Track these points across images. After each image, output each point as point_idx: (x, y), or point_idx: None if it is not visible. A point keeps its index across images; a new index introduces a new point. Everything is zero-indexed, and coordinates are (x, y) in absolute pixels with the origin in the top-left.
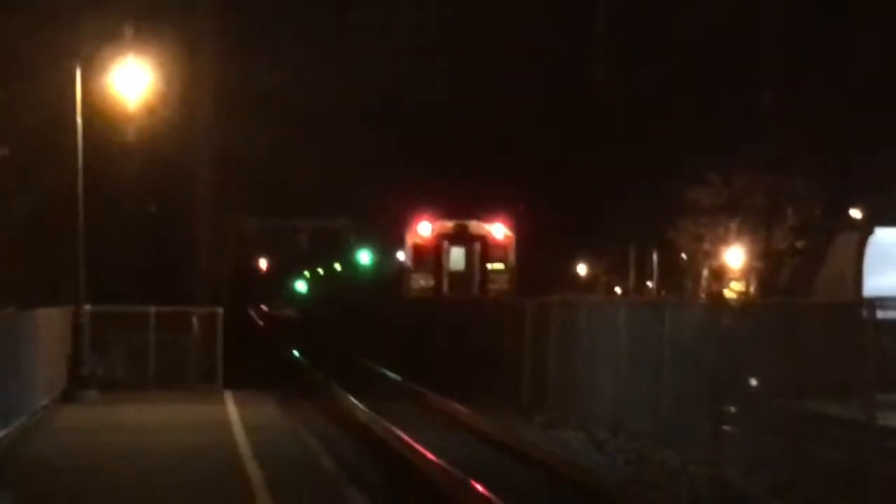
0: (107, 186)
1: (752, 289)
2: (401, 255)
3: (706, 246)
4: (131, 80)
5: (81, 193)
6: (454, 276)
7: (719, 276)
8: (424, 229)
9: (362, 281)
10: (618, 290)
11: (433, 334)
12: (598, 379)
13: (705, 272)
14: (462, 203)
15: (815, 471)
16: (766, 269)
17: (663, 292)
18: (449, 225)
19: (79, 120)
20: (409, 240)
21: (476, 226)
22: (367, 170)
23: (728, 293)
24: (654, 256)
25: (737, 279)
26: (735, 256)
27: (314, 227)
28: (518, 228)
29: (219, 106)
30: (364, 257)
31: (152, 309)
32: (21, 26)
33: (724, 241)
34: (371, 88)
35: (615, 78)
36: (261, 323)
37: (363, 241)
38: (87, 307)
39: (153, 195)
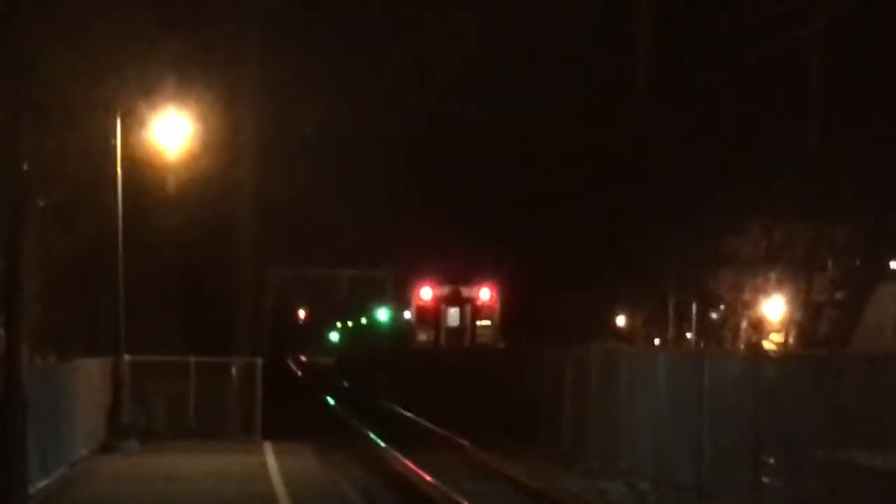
0: (147, 235)
1: (791, 340)
2: (407, 314)
3: (746, 296)
4: (172, 131)
5: (121, 243)
6: (450, 331)
7: (759, 326)
8: (426, 294)
9: (382, 333)
10: (657, 341)
11: (468, 383)
12: (638, 429)
13: (744, 323)
14: (456, 271)
15: None
16: (806, 320)
17: (702, 343)
18: (446, 290)
19: (118, 170)
20: (414, 302)
21: (467, 290)
22: (392, 222)
23: (767, 344)
24: (693, 307)
25: (776, 330)
26: (774, 307)
27: (352, 276)
28: (503, 291)
29: (260, 155)
30: (382, 314)
31: (192, 359)
32: (63, 76)
33: (763, 291)
34: (405, 139)
35: (653, 124)
36: (299, 373)
37: (383, 300)
38: (127, 357)
39: (194, 244)
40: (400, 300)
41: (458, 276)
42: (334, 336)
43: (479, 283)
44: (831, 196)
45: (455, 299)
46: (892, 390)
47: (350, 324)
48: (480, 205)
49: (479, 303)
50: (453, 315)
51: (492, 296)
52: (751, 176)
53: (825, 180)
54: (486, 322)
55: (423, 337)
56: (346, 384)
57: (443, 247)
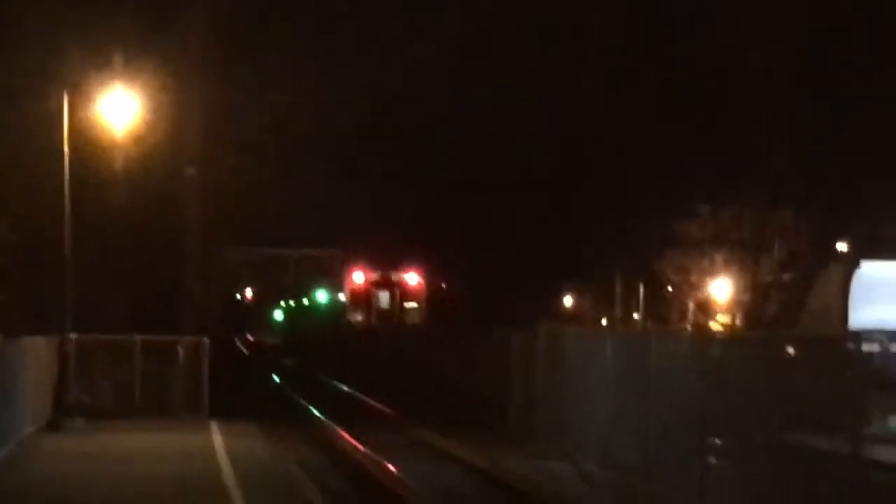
0: (95, 214)
1: (738, 321)
2: (342, 296)
3: (692, 278)
4: (119, 109)
5: (69, 221)
6: (381, 312)
7: (705, 308)
8: (358, 278)
9: (322, 313)
10: (604, 321)
11: (412, 364)
12: (585, 410)
13: (691, 304)
14: (385, 258)
15: (800, 503)
16: (753, 301)
17: (649, 324)
18: (376, 275)
19: (66, 149)
20: (348, 286)
21: (396, 275)
22: (338, 204)
23: (714, 325)
24: (641, 288)
25: (723, 312)
26: (721, 289)
27: (299, 256)
28: (430, 275)
29: (208, 134)
30: (322, 296)
31: (138, 338)
32: (10, 54)
33: (710, 273)
34: (351, 121)
35: (604, 106)
36: (245, 352)
37: (328, 280)
38: (73, 336)
39: (142, 223)
40: (336, 283)
41: (387, 262)
42: (279, 315)
43: (407, 268)
44: (778, 179)
45: (385, 283)
46: (837, 372)
47: (293, 304)
48: (423, 190)
49: (406, 287)
50: (383, 298)
51: (418, 280)
52: (699, 160)
53: (772, 164)
54: (413, 304)
55: (357, 317)
56: (290, 362)
57: (380, 232)
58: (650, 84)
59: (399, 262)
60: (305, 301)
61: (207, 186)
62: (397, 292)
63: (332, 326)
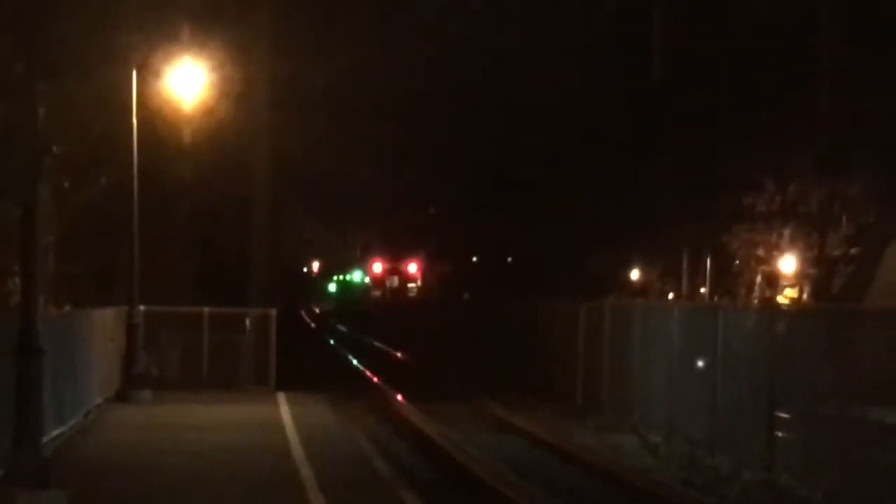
0: (162, 186)
1: (805, 295)
2: (366, 279)
3: (760, 252)
4: (187, 81)
5: (136, 194)
6: (393, 290)
7: (772, 282)
8: (377, 267)
9: (357, 290)
10: (671, 295)
11: (480, 337)
12: (651, 382)
13: (758, 278)
14: (395, 253)
15: (870, 477)
16: (820, 275)
17: (716, 298)
18: (388, 265)
19: (134, 121)
20: (370, 272)
21: (402, 264)
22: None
23: (781, 299)
24: (708, 262)
25: (790, 286)
26: (788, 263)
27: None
28: (426, 264)
29: (274, 107)
30: (357, 276)
31: (206, 309)
32: (78, 26)
33: (777, 247)
34: (409, 89)
35: (666, 79)
36: (312, 324)
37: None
38: (141, 307)
39: (209, 196)
40: (363, 269)
41: (395, 256)
42: (332, 287)
43: (409, 259)
44: (844, 152)
45: (394, 270)
46: None
47: (341, 278)
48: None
49: (407, 273)
50: (393, 281)
51: (417, 268)
52: (766, 133)
53: (838, 136)
54: (413, 284)
55: (376, 293)
56: (343, 328)
57: (403, 224)
58: (715, 52)
59: (404, 256)
60: (348, 277)
61: (275, 157)
62: (403, 276)
63: (364, 300)
